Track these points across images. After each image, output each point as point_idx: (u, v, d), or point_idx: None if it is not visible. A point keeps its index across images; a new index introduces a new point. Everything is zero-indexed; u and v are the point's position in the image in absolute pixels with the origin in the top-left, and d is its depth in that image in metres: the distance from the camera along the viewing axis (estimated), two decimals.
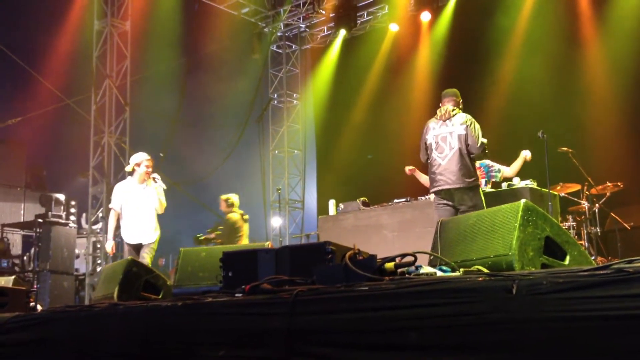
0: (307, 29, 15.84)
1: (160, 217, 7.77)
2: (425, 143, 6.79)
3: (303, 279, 3.16)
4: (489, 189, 7.92)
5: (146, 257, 7.42)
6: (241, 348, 2.67)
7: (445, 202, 6.63)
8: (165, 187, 7.78)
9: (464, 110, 6.79)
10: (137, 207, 7.59)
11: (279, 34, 15.78)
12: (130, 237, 7.59)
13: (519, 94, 11.36)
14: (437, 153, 6.65)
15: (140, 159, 7.68)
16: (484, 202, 6.53)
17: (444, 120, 6.67)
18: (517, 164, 8.07)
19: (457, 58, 12.69)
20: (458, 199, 6.53)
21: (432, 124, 6.77)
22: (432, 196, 7.80)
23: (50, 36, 13.54)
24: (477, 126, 6.57)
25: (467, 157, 6.53)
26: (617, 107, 10.53)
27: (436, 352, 2.19)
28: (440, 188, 6.62)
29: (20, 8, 13.75)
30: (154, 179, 7.64)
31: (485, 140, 6.53)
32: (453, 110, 6.68)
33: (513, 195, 7.10)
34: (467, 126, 6.53)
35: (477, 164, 7.48)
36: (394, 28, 14.06)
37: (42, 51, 13.70)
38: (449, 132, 6.60)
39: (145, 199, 7.61)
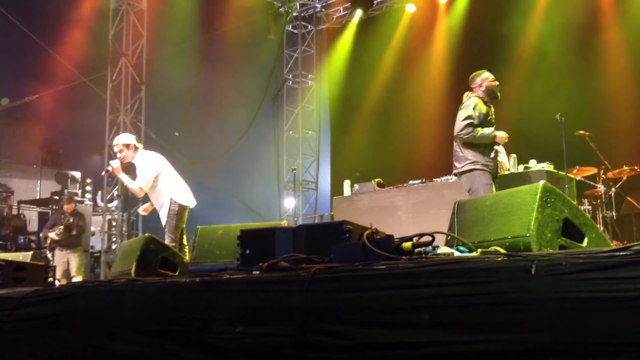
0: (323, 9, 15.74)
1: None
2: None
3: (320, 257, 3.17)
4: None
5: None
6: (258, 325, 2.68)
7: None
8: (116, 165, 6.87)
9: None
10: None
11: (294, 14, 15.70)
12: None
13: (538, 77, 11.26)
14: None
15: None
16: (487, 186, 6.15)
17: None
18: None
19: (474, 39, 12.58)
20: (463, 183, 6.47)
21: None
22: (447, 177, 7.82)
23: (67, 14, 13.57)
24: (469, 108, 6.23)
25: (459, 142, 6.33)
26: (635, 91, 10.42)
27: (454, 331, 2.20)
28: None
29: None
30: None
31: (466, 122, 6.15)
32: (466, 95, 6.52)
33: (529, 177, 7.05)
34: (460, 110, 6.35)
35: None
36: (410, 9, 13.95)
37: (58, 29, 13.73)
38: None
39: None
